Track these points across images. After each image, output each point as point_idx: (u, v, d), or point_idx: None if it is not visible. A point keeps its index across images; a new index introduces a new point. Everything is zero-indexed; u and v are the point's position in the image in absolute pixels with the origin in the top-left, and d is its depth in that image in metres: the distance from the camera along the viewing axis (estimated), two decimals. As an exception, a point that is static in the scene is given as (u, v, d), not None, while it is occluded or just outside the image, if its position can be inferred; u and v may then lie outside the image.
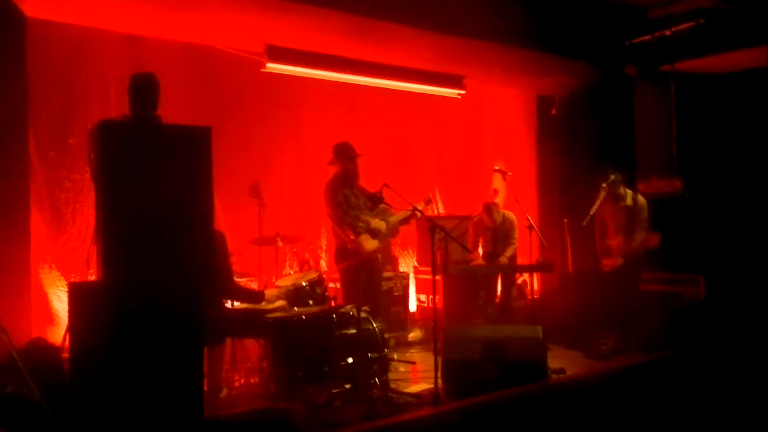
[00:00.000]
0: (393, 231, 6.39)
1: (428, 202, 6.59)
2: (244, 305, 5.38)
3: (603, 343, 6.54)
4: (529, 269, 7.09)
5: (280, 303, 5.31)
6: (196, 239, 3.90)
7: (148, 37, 6.47)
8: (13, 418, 3.74)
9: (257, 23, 6.33)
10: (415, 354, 6.85)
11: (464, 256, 7.36)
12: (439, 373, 4.99)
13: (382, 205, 5.94)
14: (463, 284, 7.45)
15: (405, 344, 7.32)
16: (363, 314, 5.26)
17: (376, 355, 5.24)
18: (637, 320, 6.84)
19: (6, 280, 5.25)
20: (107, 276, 3.71)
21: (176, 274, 3.80)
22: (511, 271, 7.39)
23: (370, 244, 6.05)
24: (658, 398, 5.54)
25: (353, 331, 5.20)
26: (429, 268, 5.78)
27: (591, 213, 6.67)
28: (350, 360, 5.11)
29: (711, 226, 7.75)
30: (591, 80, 8.59)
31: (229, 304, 5.50)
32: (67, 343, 4.05)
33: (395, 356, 6.21)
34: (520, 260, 7.54)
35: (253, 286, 6.61)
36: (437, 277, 6.10)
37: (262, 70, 6.93)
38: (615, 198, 6.85)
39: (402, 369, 6.01)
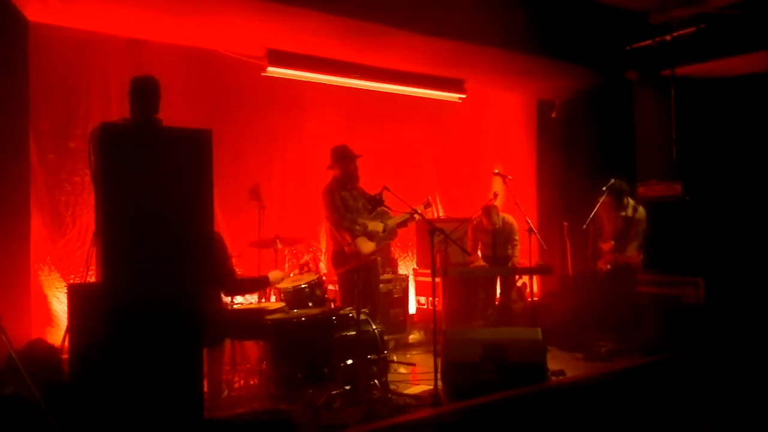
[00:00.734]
0: (391, 233, 6.40)
1: (427, 205, 6.59)
2: (248, 306, 5.39)
3: (603, 346, 6.55)
4: (529, 272, 7.09)
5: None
6: (196, 241, 3.92)
7: (150, 41, 6.49)
8: (13, 419, 3.76)
9: (258, 27, 6.35)
10: (414, 356, 6.86)
11: (464, 259, 7.37)
12: (439, 375, 5.01)
13: (381, 208, 5.96)
14: (463, 286, 7.46)
15: (405, 346, 7.33)
16: (362, 316, 5.27)
17: (375, 356, 5.24)
18: (637, 323, 6.86)
19: (6, 282, 5.26)
20: (107, 278, 3.73)
21: (175, 276, 3.82)
22: (510, 273, 7.39)
23: (366, 246, 6.07)
24: (657, 401, 5.55)
25: (353, 332, 5.21)
26: (428, 271, 5.78)
27: (591, 216, 6.70)
28: (350, 361, 5.11)
29: (711, 230, 7.76)
30: (591, 84, 8.60)
31: (236, 301, 5.52)
32: (66, 344, 4.06)
33: (395, 358, 6.22)
34: (520, 263, 7.54)
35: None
36: (437, 280, 6.11)
37: (262, 73, 6.95)
38: (616, 206, 6.87)
39: (402, 371, 6.02)
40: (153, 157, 3.82)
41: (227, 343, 5.27)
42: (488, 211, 7.36)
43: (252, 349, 5.68)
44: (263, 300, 6.10)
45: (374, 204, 5.81)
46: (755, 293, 6.86)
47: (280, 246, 6.28)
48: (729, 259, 7.52)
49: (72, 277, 6.02)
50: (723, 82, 8.39)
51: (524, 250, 7.18)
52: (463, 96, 8.49)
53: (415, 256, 8.48)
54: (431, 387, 5.00)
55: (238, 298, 5.82)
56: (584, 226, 6.77)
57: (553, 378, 5.58)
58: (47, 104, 6.07)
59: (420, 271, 8.16)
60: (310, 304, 5.35)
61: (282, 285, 5.57)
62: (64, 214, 6.14)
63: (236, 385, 5.34)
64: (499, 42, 7.15)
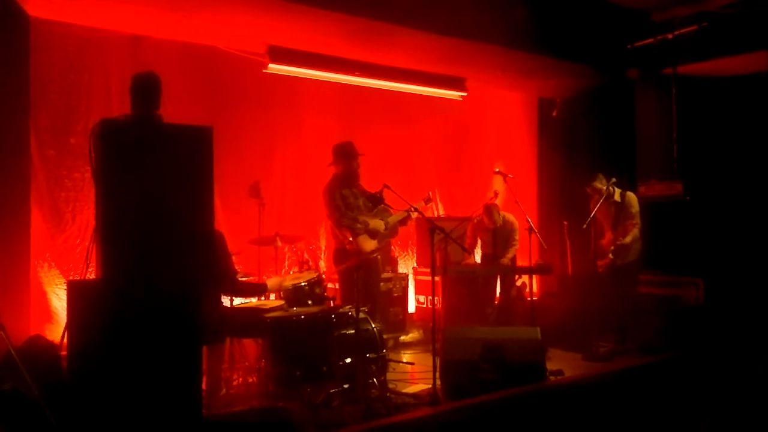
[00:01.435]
0: (392, 231, 6.40)
1: (428, 200, 6.58)
2: (248, 304, 5.39)
3: (602, 345, 6.54)
4: (529, 271, 7.09)
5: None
6: (196, 238, 3.92)
7: (151, 37, 6.49)
8: (12, 415, 3.76)
9: (259, 24, 6.35)
10: (413, 355, 6.86)
11: (464, 258, 7.37)
12: (438, 374, 5.01)
13: (382, 206, 5.96)
14: (463, 285, 7.45)
15: (404, 345, 7.34)
16: (362, 315, 5.27)
17: (374, 355, 5.25)
18: (637, 323, 6.86)
19: (5, 278, 5.26)
20: (106, 275, 3.73)
21: (175, 273, 3.81)
22: (510, 272, 7.39)
23: (368, 244, 6.06)
24: (656, 400, 5.55)
25: (352, 331, 5.21)
26: (428, 270, 5.78)
27: (591, 216, 6.70)
28: (349, 360, 5.12)
29: (711, 230, 7.76)
30: (593, 83, 8.59)
31: (236, 301, 5.52)
32: (65, 341, 4.06)
33: (393, 357, 6.22)
34: (520, 262, 7.54)
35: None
36: (436, 279, 6.11)
37: (263, 70, 6.94)
38: (605, 197, 6.92)
39: (400, 370, 6.02)
40: (154, 154, 3.81)
41: (226, 340, 5.27)
42: (489, 209, 7.35)
43: (251, 347, 5.67)
44: (262, 298, 6.10)
45: (375, 202, 5.80)
46: (755, 294, 6.86)
47: (280, 244, 6.28)
48: (729, 260, 7.52)
49: (72, 273, 6.03)
50: (724, 81, 8.38)
51: (524, 250, 7.17)
52: (464, 94, 8.48)
53: (415, 254, 8.48)
54: (430, 386, 5.00)
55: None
56: (584, 226, 6.78)
57: (552, 378, 5.59)
58: (48, 100, 6.06)
59: (420, 269, 8.15)
60: (310, 303, 5.35)
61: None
62: (64, 210, 6.14)
63: (235, 383, 5.33)
64: (500, 40, 7.14)
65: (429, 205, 6.69)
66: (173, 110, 5.26)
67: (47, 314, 5.95)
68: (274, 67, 6.93)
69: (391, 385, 5.32)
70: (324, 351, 5.07)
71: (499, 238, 7.47)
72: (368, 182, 6.24)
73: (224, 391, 5.10)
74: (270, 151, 7.41)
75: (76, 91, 6.23)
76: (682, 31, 7.65)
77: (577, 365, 6.15)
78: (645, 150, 8.48)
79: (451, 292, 7.33)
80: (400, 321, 7.49)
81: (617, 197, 7.00)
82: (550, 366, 5.70)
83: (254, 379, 5.35)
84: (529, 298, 7.29)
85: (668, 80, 8.12)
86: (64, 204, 6.14)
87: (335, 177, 6.17)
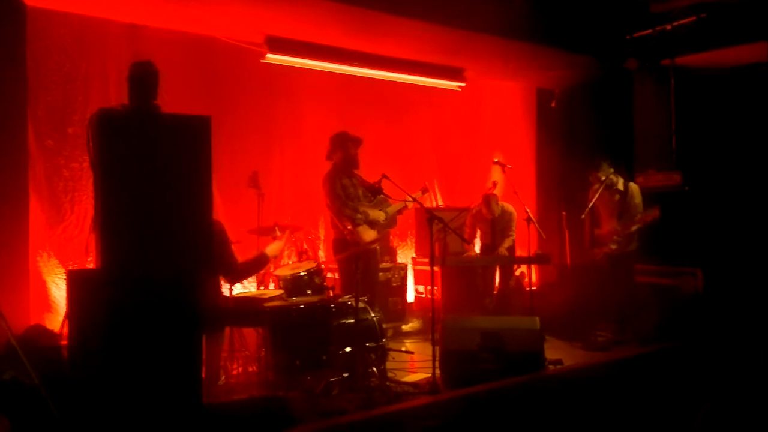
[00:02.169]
0: (391, 221, 6.40)
1: (425, 191, 6.57)
2: (247, 294, 5.39)
3: (600, 335, 6.57)
4: (527, 261, 7.10)
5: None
6: (195, 228, 3.92)
7: (148, 26, 6.45)
8: (12, 404, 3.76)
9: (257, 14, 6.32)
10: (413, 344, 6.87)
11: (463, 248, 7.37)
12: (437, 363, 5.02)
13: (381, 196, 5.96)
14: (461, 275, 7.47)
15: (403, 334, 7.35)
16: (361, 304, 5.28)
17: (374, 344, 5.27)
18: (635, 313, 6.87)
19: (5, 268, 5.27)
20: (105, 264, 3.72)
21: (174, 262, 3.81)
22: (509, 262, 7.40)
23: (368, 234, 6.06)
24: (654, 390, 5.56)
25: (351, 320, 5.23)
26: (427, 260, 5.78)
27: (589, 206, 6.71)
28: (348, 349, 5.14)
29: (709, 220, 7.77)
30: (591, 74, 8.59)
31: (236, 290, 5.52)
32: (65, 330, 4.06)
33: (393, 346, 6.23)
34: (519, 252, 7.55)
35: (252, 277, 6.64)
36: (435, 269, 6.11)
37: (261, 60, 6.93)
38: (607, 185, 6.89)
39: (400, 359, 6.03)
40: (151, 144, 3.81)
41: (226, 330, 5.27)
42: (488, 199, 7.36)
43: (251, 336, 5.67)
44: (262, 287, 6.10)
45: (373, 192, 5.80)
46: (753, 284, 6.87)
47: (279, 234, 6.27)
48: (727, 250, 7.53)
49: (71, 263, 6.02)
50: (723, 71, 8.37)
51: (523, 240, 7.19)
52: (463, 84, 8.47)
53: (414, 244, 8.48)
54: (429, 375, 5.03)
55: (238, 286, 5.82)
56: (582, 216, 6.78)
57: (551, 367, 5.61)
58: (45, 90, 6.04)
59: (419, 259, 8.16)
60: (309, 292, 5.36)
61: (281, 272, 5.58)
62: (63, 200, 6.12)
63: (234, 372, 5.35)
64: (499, 30, 7.13)
65: (426, 195, 6.68)
66: (170, 100, 5.24)
67: (47, 304, 5.94)
68: (272, 57, 6.92)
69: (390, 374, 5.34)
70: (323, 340, 5.08)
71: (498, 228, 7.48)
72: (367, 172, 6.24)
73: (223, 379, 5.12)
74: (268, 141, 7.40)
75: (74, 80, 6.20)
76: (681, 22, 7.64)
77: (575, 355, 6.18)
78: (643, 140, 8.48)
79: (450, 282, 7.35)
80: (400, 311, 7.50)
81: (620, 186, 6.98)
82: (549, 355, 5.72)
83: (254, 368, 5.36)
84: (527, 288, 7.29)
85: (667, 71, 8.11)
86: (62, 194, 6.12)
87: (335, 166, 6.16)
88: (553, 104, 9.46)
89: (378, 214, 6.17)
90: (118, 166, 3.73)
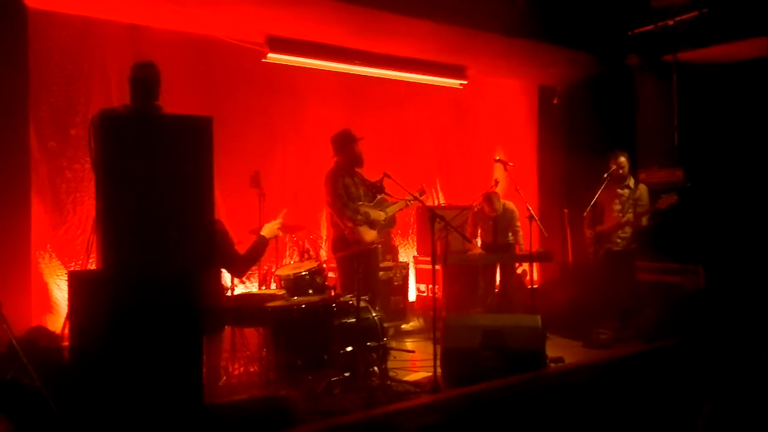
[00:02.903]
0: (390, 221, 6.41)
1: (422, 193, 6.50)
2: (249, 293, 5.38)
3: (602, 333, 6.56)
4: (529, 259, 7.10)
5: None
6: (197, 228, 3.92)
7: (150, 27, 6.47)
8: (14, 405, 3.78)
9: (258, 14, 6.33)
10: (414, 343, 6.88)
11: (464, 246, 7.38)
12: (438, 362, 5.02)
13: (381, 196, 5.96)
14: (463, 274, 7.47)
15: (404, 333, 7.36)
16: (362, 303, 5.28)
17: (375, 343, 5.27)
18: (637, 310, 6.87)
19: (7, 269, 5.29)
20: (107, 265, 3.73)
21: (176, 263, 3.82)
22: (510, 260, 7.40)
23: (369, 234, 6.07)
24: (656, 388, 5.56)
25: (353, 320, 5.23)
26: (429, 258, 5.79)
27: (592, 203, 6.70)
28: (349, 349, 5.14)
29: (711, 217, 7.75)
30: (593, 70, 8.57)
31: (237, 289, 5.52)
32: (66, 331, 4.07)
33: (394, 345, 6.24)
34: (520, 250, 7.55)
35: (254, 277, 6.66)
36: (437, 267, 6.11)
37: (263, 60, 6.94)
38: (618, 180, 6.89)
39: (401, 358, 6.04)
40: (153, 144, 3.81)
41: (227, 330, 5.28)
42: (490, 198, 7.35)
43: (252, 336, 5.69)
44: (263, 287, 6.11)
45: (375, 191, 5.80)
46: (755, 280, 6.86)
47: (280, 233, 6.28)
48: (729, 247, 7.51)
49: (73, 264, 6.04)
50: (725, 67, 8.34)
51: (525, 237, 7.19)
52: (464, 82, 8.47)
53: (415, 243, 8.48)
54: (431, 374, 5.03)
55: (239, 285, 5.83)
56: (585, 214, 6.78)
57: (553, 365, 5.60)
58: (47, 91, 6.06)
59: (420, 258, 8.16)
60: (311, 292, 5.37)
61: (282, 272, 5.59)
62: (65, 201, 6.15)
63: (236, 372, 5.35)
64: (501, 28, 7.13)
65: (423, 197, 6.63)
66: (172, 100, 5.25)
67: (48, 305, 5.96)
68: (274, 57, 6.92)
69: (392, 373, 5.34)
70: (325, 340, 5.09)
71: (500, 226, 7.48)
72: (368, 170, 6.24)
73: (224, 379, 5.13)
74: (270, 141, 7.40)
75: (75, 82, 6.22)
76: (683, 17, 7.63)
77: (577, 352, 6.18)
78: (645, 137, 8.47)
79: (452, 280, 7.35)
80: (401, 309, 7.51)
81: (631, 183, 7.00)
82: (551, 353, 5.71)
83: (255, 368, 5.37)
84: (529, 286, 7.30)
85: (669, 67, 8.09)
86: (64, 195, 6.14)
87: (337, 165, 6.16)
88: (554, 101, 9.45)
89: (378, 215, 6.18)
90: (119, 167, 3.73)
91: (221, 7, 6.07)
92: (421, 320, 7.61)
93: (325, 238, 7.64)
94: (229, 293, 5.61)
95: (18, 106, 5.58)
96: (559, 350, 6.00)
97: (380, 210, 6.22)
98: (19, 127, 5.61)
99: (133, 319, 3.65)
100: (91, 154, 3.94)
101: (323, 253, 7.51)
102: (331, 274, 6.54)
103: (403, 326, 7.48)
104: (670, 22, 7.71)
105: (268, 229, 5.24)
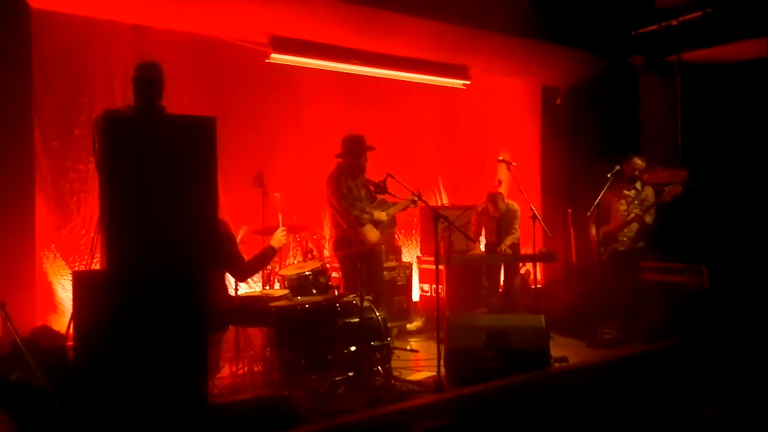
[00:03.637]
0: (391, 222, 6.42)
1: (419, 197, 6.35)
2: (253, 293, 5.39)
3: (606, 333, 6.56)
4: (533, 259, 7.09)
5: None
6: (201, 229, 3.92)
7: (153, 27, 6.48)
8: (19, 405, 3.78)
9: (261, 14, 6.33)
10: (417, 343, 6.88)
11: (468, 246, 7.37)
12: (442, 362, 5.03)
13: (382, 196, 5.96)
14: (466, 274, 7.47)
15: (408, 333, 7.36)
16: (366, 303, 5.29)
17: (378, 343, 5.27)
18: (641, 310, 6.86)
19: (11, 269, 5.30)
20: (111, 265, 3.73)
21: (180, 263, 3.82)
22: (514, 260, 7.40)
23: (373, 235, 6.08)
24: (661, 387, 5.55)
25: (356, 319, 5.23)
26: (432, 258, 5.79)
27: (596, 203, 6.70)
28: (353, 348, 5.14)
29: (715, 216, 7.73)
30: (596, 70, 8.55)
31: (242, 289, 5.52)
32: (71, 331, 4.08)
33: (398, 345, 6.23)
34: (524, 250, 7.55)
35: (257, 277, 6.65)
36: (440, 267, 6.11)
37: (266, 60, 6.94)
38: (628, 181, 6.89)
39: (405, 357, 6.03)
40: (157, 144, 3.81)
41: (231, 329, 5.29)
42: (494, 198, 7.35)
43: (256, 335, 5.69)
44: (267, 287, 6.12)
45: (378, 191, 5.81)
46: (759, 280, 6.84)
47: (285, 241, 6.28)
48: (733, 246, 7.50)
49: (77, 264, 6.05)
50: (729, 67, 8.33)
51: (528, 237, 7.17)
52: (468, 82, 8.46)
53: (418, 243, 8.48)
54: (434, 373, 5.04)
55: (243, 286, 5.83)
56: (588, 214, 6.77)
57: (556, 365, 5.60)
58: (51, 91, 6.06)
59: (424, 258, 8.16)
60: (314, 291, 5.37)
61: (286, 272, 5.59)
62: (69, 201, 6.15)
63: (240, 372, 5.36)
64: (504, 28, 7.12)
65: (422, 199, 6.54)
66: (176, 101, 5.21)
67: (53, 305, 5.97)
68: (277, 57, 6.93)
69: (395, 373, 5.35)
70: (329, 339, 5.09)
71: (503, 226, 7.48)
72: (371, 171, 6.24)
73: (227, 369, 5.10)
74: (273, 141, 7.41)
75: (79, 82, 6.22)
76: (687, 17, 7.61)
77: (581, 352, 6.17)
78: (649, 137, 8.46)
79: (455, 280, 7.35)
80: (405, 309, 7.51)
81: (638, 184, 7.02)
82: (555, 353, 5.71)
83: (259, 367, 5.37)
84: (533, 286, 7.29)
85: (672, 67, 8.07)
86: (68, 195, 6.15)
87: (339, 166, 6.16)
88: (558, 101, 9.43)
89: (381, 215, 6.19)
90: (123, 167, 3.74)
91: (225, 7, 6.07)
92: (425, 320, 7.60)
93: (328, 237, 7.64)
94: (232, 293, 5.60)
95: (22, 106, 5.59)
96: (563, 350, 6.00)
97: (383, 210, 6.22)
98: (22, 127, 5.62)
99: (137, 319, 3.66)
100: (94, 155, 3.95)
101: (327, 253, 7.50)
102: (334, 274, 6.55)
103: (407, 326, 7.48)
104: (674, 22, 7.69)
105: (277, 239, 5.27)
